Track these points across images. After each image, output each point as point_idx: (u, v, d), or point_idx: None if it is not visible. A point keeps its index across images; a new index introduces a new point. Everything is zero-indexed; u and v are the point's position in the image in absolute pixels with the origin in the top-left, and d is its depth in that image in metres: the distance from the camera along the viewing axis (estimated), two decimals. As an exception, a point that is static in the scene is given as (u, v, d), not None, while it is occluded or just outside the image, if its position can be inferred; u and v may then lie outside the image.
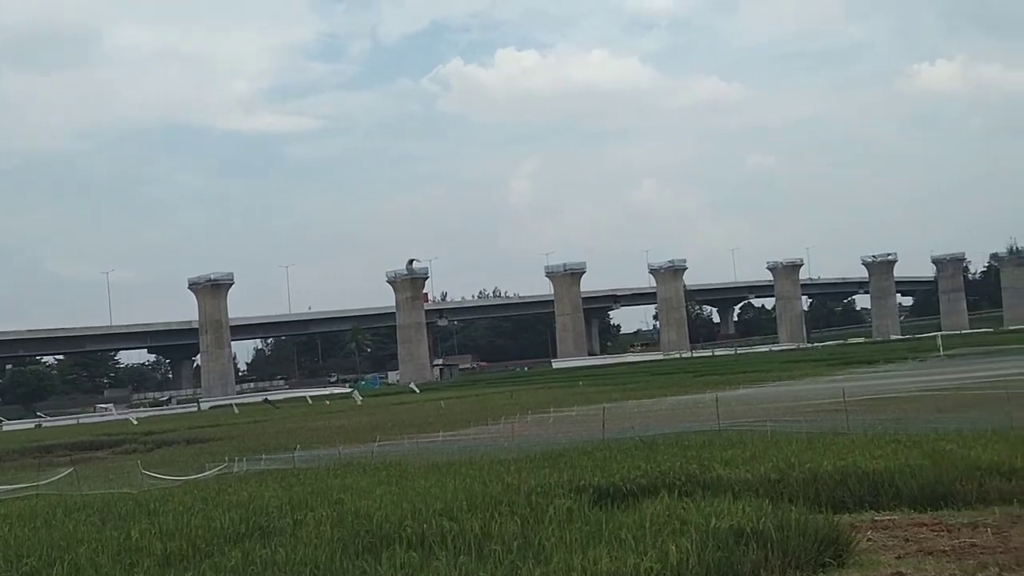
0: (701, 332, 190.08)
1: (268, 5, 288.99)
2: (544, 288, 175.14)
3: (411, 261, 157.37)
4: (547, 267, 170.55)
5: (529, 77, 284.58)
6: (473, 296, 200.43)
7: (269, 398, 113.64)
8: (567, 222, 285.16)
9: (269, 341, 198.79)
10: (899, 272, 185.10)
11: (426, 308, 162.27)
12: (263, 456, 33.30)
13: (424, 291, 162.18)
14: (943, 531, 11.31)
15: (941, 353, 77.06)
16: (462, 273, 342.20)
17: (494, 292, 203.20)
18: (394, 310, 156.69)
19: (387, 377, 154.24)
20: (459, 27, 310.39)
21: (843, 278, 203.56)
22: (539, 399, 60.08)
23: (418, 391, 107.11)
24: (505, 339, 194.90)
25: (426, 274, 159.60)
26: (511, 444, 28.94)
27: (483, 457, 23.84)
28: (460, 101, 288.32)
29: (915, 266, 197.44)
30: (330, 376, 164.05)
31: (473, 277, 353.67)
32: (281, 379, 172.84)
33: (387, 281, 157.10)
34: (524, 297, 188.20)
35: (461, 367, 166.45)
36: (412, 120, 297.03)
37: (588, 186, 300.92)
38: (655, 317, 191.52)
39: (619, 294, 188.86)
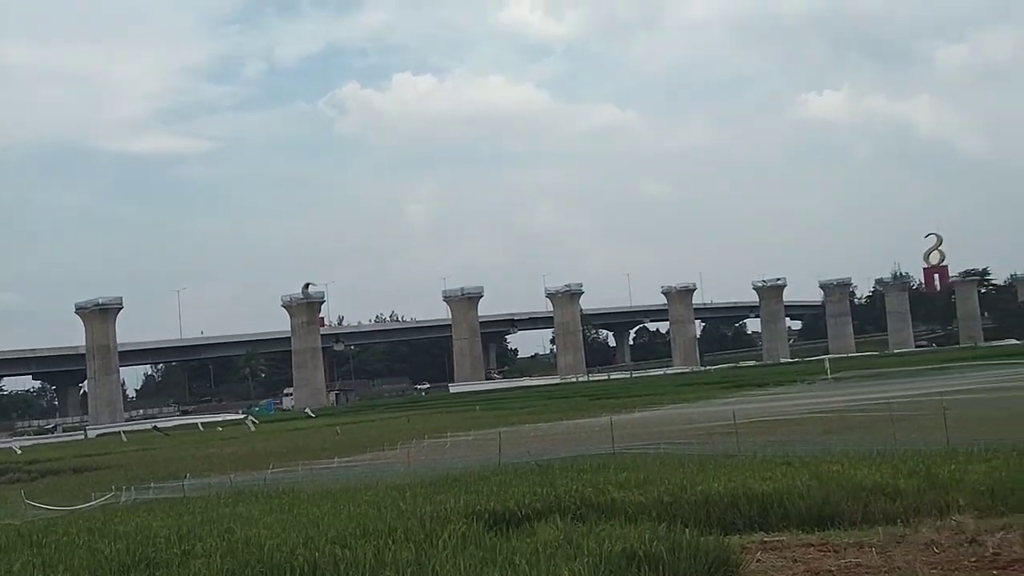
0: (597, 356, 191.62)
1: (160, 26, 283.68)
2: (442, 312, 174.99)
3: (307, 285, 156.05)
4: (445, 291, 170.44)
5: (426, 101, 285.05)
6: (370, 320, 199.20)
7: (158, 425, 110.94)
8: (465, 246, 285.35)
9: (159, 367, 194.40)
10: (788, 296, 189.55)
11: (322, 332, 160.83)
12: (152, 485, 32.51)
13: (320, 315, 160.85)
14: (830, 551, 11.56)
15: (828, 376, 78.88)
16: (359, 297, 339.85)
17: (391, 316, 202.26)
18: (289, 335, 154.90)
19: (281, 403, 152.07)
20: (355, 51, 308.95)
21: (735, 302, 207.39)
22: (436, 424, 59.80)
23: (314, 416, 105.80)
24: (402, 363, 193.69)
25: (322, 298, 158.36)
26: (407, 470, 28.76)
27: (378, 483, 23.65)
28: (357, 124, 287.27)
29: (804, 291, 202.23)
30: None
31: (370, 301, 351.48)
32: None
33: (282, 305, 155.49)
34: (421, 321, 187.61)
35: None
36: (308, 143, 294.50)
37: (486, 210, 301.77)
38: (552, 341, 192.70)
39: (517, 318, 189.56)
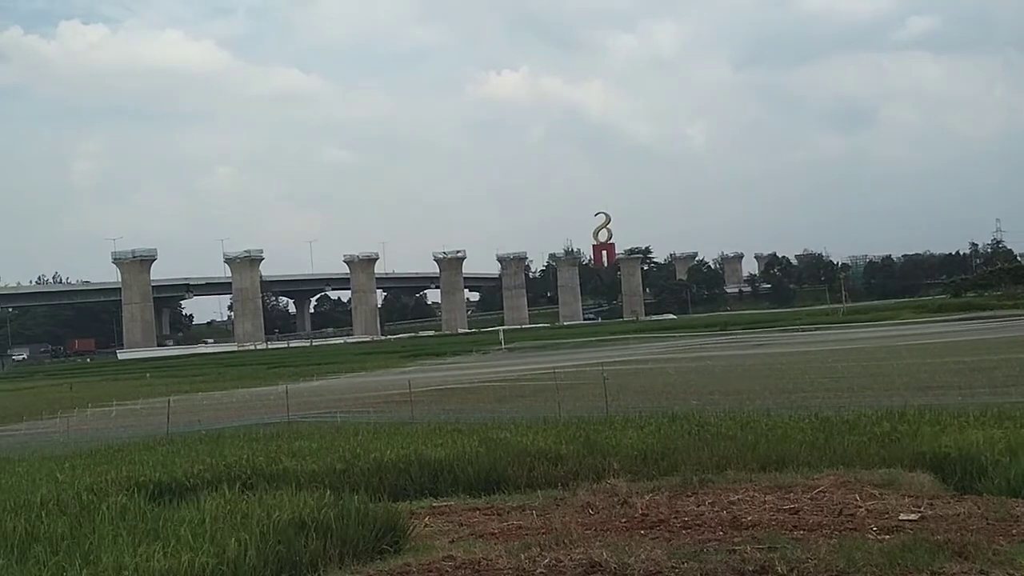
0: (277, 323, 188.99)
1: None
2: (111, 275, 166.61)
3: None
4: (114, 253, 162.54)
5: (97, 52, 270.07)
6: (31, 282, 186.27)
7: None
8: (139, 206, 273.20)
9: None
10: (468, 269, 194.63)
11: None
12: None
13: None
14: (494, 515, 11.99)
15: (503, 346, 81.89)
16: (19, 257, 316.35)
17: (55, 278, 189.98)
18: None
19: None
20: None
21: (416, 273, 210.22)
22: (102, 392, 57.02)
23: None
24: (67, 328, 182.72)
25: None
26: (67, 440, 27.39)
27: (34, 454, 22.40)
28: (20, 73, 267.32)
29: (483, 264, 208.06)
30: None
31: (32, 262, 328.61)
32: None
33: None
34: (89, 284, 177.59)
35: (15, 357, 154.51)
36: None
37: (161, 170, 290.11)
38: (230, 307, 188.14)
39: (192, 283, 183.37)
